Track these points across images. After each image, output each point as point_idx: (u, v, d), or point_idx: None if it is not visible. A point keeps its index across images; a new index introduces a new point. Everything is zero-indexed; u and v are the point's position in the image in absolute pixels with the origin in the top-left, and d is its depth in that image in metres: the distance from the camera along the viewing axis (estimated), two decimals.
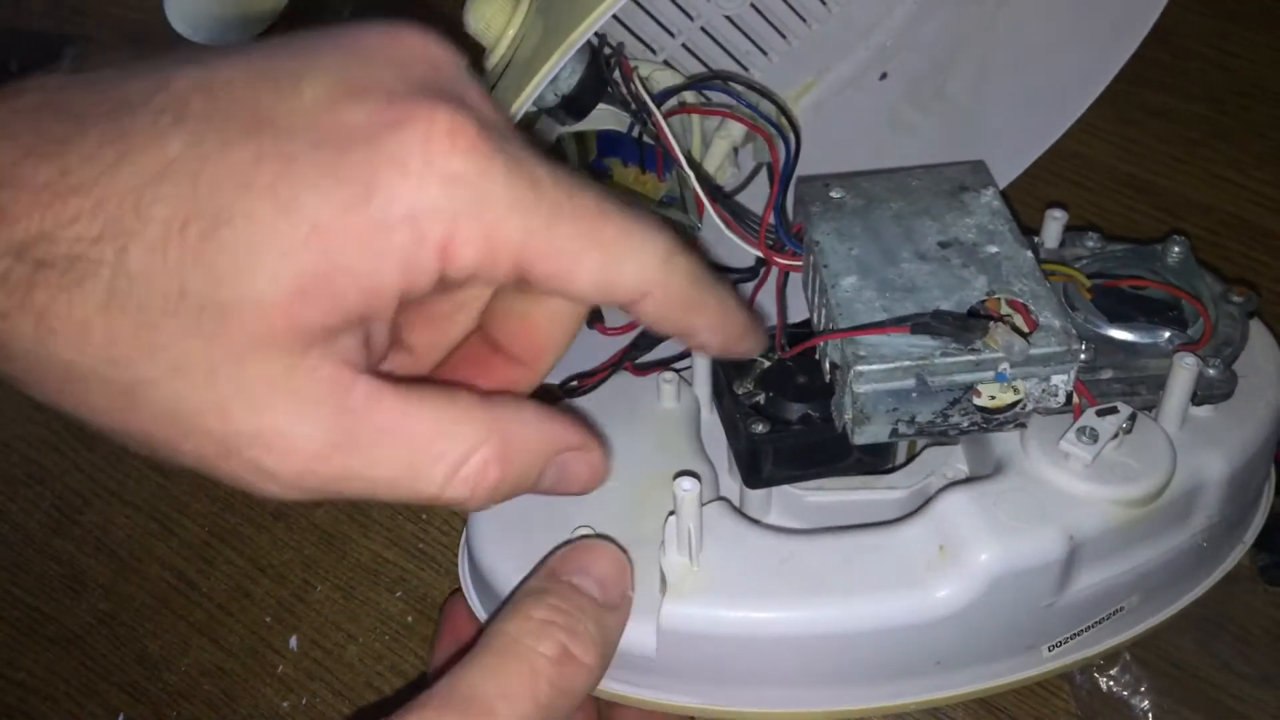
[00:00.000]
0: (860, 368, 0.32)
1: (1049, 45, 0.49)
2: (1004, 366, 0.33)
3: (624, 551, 0.35)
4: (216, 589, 0.49)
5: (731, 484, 0.39)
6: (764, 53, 0.51)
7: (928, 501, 0.36)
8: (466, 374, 0.31)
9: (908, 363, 0.32)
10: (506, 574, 0.36)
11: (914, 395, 0.33)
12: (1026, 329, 0.33)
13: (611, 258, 0.27)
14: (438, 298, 0.28)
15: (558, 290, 0.27)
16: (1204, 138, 0.60)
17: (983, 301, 0.34)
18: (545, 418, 0.29)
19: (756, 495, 0.38)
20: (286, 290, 0.24)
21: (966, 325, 0.33)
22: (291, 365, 0.25)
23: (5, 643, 0.48)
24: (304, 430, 0.25)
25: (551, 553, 0.35)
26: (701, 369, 0.40)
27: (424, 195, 0.24)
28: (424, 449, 0.26)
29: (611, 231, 0.27)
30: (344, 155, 0.24)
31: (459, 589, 0.41)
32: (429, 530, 0.50)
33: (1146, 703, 0.42)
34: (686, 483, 0.33)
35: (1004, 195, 0.38)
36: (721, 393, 0.39)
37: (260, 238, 0.24)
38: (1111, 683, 0.42)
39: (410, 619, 0.48)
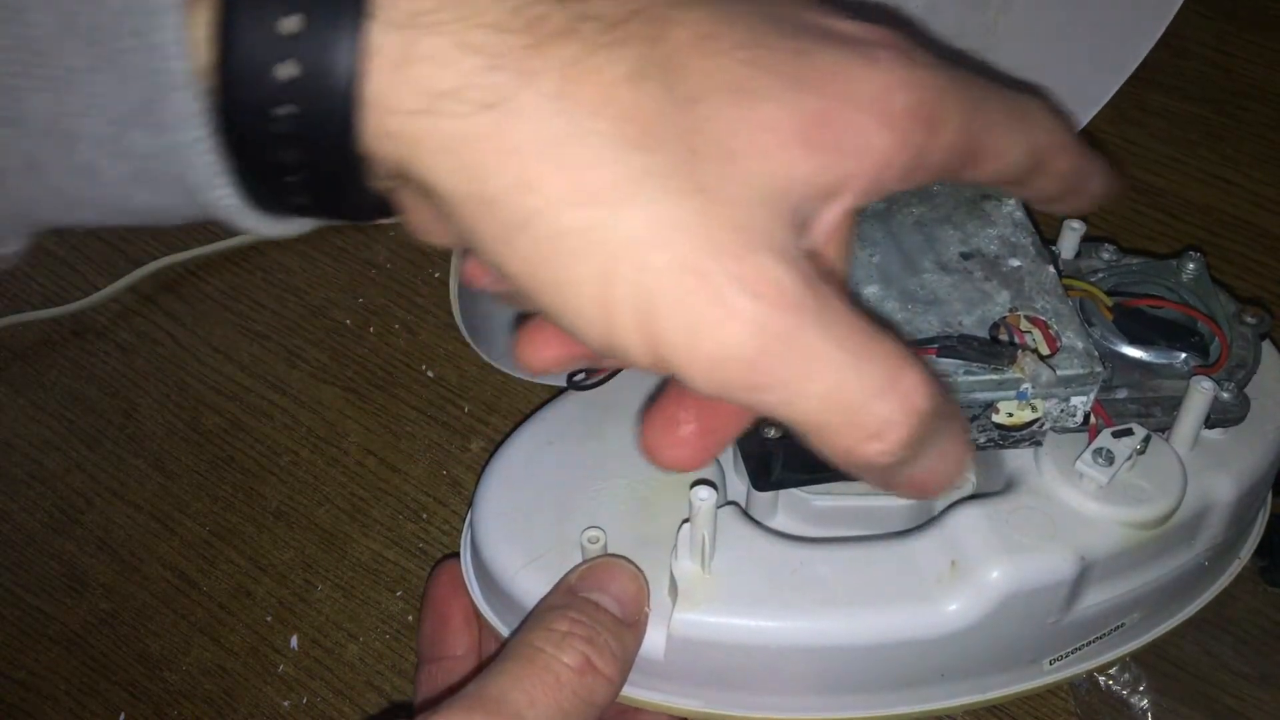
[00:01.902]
0: None
1: (1051, 54, 0.49)
2: (1026, 386, 0.33)
3: (640, 571, 0.35)
4: (217, 588, 0.49)
5: (736, 480, 0.39)
6: None
7: (939, 515, 0.36)
8: None
9: None
10: (511, 570, 0.36)
11: None
12: (1048, 347, 0.33)
13: (1029, 126, 0.29)
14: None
15: (994, 169, 0.28)
16: (1203, 139, 0.60)
17: (1004, 317, 0.34)
18: None
19: (763, 497, 0.38)
20: (802, 114, 0.24)
21: (993, 352, 0.33)
22: (778, 200, 0.24)
23: (6, 642, 0.49)
24: (783, 271, 0.23)
25: (571, 571, 0.35)
26: None
27: (917, 69, 0.25)
28: (865, 342, 0.24)
29: (1018, 103, 0.29)
30: (834, 36, 0.25)
31: (439, 564, 0.41)
32: (429, 530, 0.50)
33: (1145, 702, 0.42)
34: (703, 492, 0.33)
35: (1026, 205, 0.38)
36: None
37: (779, 65, 0.24)
38: (1111, 682, 0.42)
39: (411, 618, 0.48)
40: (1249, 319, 0.39)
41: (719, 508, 0.35)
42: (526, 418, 0.41)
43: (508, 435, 0.41)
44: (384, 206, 0.25)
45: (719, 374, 0.23)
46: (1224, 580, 0.41)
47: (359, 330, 0.56)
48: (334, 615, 0.48)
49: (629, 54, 0.23)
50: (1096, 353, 0.34)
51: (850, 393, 0.24)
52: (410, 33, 0.22)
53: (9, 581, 0.50)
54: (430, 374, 0.54)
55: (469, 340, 0.43)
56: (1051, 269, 0.36)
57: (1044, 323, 0.34)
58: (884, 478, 0.26)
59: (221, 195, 0.23)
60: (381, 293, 0.57)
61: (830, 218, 0.25)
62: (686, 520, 0.34)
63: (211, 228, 0.59)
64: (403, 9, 0.22)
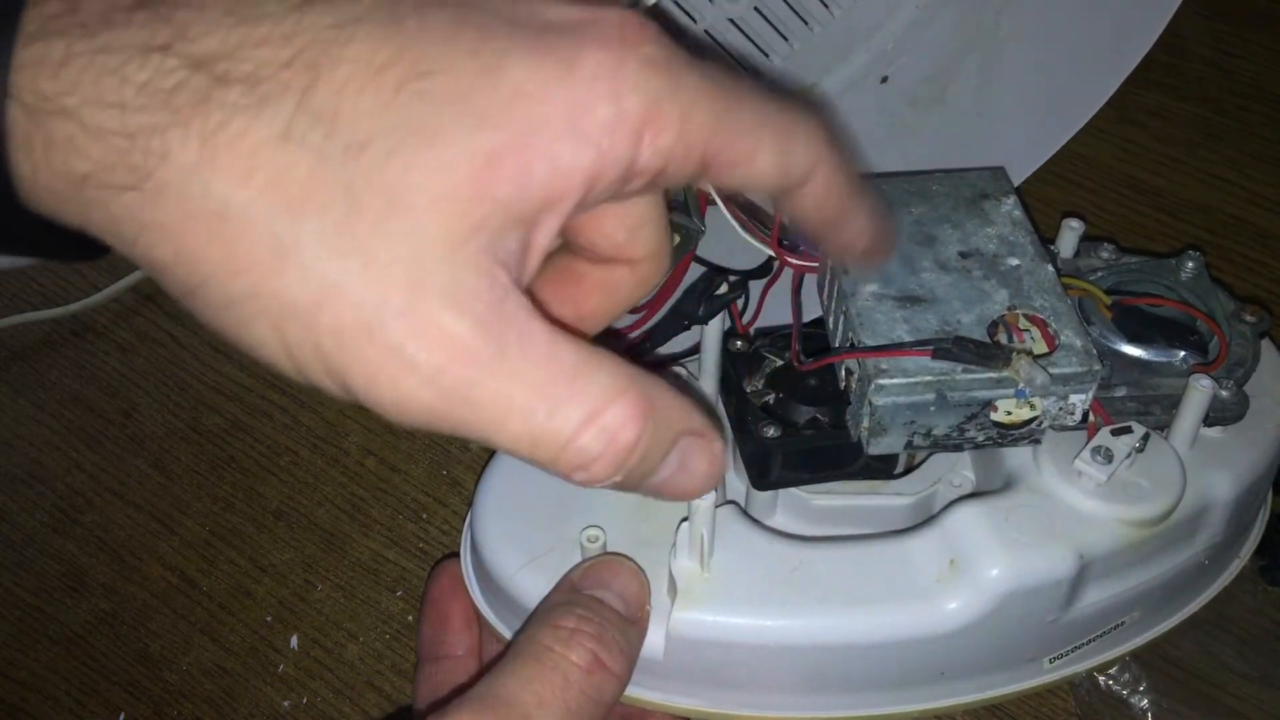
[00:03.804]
0: (881, 381, 0.32)
1: (1052, 53, 0.49)
2: (1022, 386, 0.33)
3: (640, 569, 0.35)
4: (217, 588, 0.49)
5: (736, 479, 0.39)
6: (766, 55, 0.51)
7: (938, 514, 0.36)
8: (555, 294, 0.29)
9: (929, 378, 0.32)
10: (510, 570, 0.36)
11: (932, 409, 0.33)
12: (1046, 345, 0.34)
13: (785, 137, 0.27)
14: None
15: (738, 178, 0.27)
16: (1203, 139, 0.60)
17: (1003, 316, 0.34)
18: (677, 389, 0.27)
19: (763, 496, 0.38)
20: (479, 154, 0.22)
21: (988, 353, 0.33)
22: (457, 247, 0.23)
23: (6, 642, 0.49)
24: (455, 322, 0.22)
25: (572, 569, 0.35)
26: (710, 363, 0.40)
27: (626, 73, 0.24)
28: (565, 382, 0.24)
29: (780, 113, 0.27)
30: (543, 35, 0.24)
31: (439, 564, 0.41)
32: (429, 530, 0.50)
33: (1145, 702, 0.42)
34: None
35: (1024, 204, 0.38)
36: (730, 389, 0.39)
37: (459, 94, 0.23)
38: (1111, 682, 0.42)
39: (411, 618, 0.48)
40: (1248, 317, 0.39)
41: (718, 507, 0.35)
42: None
43: None
44: (100, 245, 0.24)
45: (405, 416, 0.23)
46: (1224, 579, 0.41)
47: None
48: (334, 615, 0.48)
49: (279, 111, 0.22)
50: (1095, 351, 0.34)
51: (545, 432, 0.24)
52: (41, 117, 0.21)
53: (9, 581, 0.50)
54: None
55: None
56: (1050, 268, 0.36)
57: (1043, 321, 0.34)
58: (622, 489, 0.27)
59: None
60: None
61: (544, 238, 0.24)
62: (685, 519, 0.34)
63: None
64: (32, 90, 0.21)
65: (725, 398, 0.40)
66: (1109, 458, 0.35)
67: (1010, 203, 0.38)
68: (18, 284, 0.59)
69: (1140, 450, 0.35)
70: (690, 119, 0.25)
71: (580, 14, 0.24)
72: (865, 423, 0.33)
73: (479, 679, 0.34)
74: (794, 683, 0.36)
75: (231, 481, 0.52)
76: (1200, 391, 0.35)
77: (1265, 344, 0.40)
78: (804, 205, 0.29)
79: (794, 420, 0.37)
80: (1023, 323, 0.34)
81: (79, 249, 0.25)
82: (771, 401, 0.38)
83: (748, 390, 0.38)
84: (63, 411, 0.55)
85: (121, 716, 0.46)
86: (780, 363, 0.39)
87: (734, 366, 0.39)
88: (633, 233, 0.28)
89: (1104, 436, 0.35)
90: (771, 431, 0.37)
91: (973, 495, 0.37)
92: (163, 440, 0.54)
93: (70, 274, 0.59)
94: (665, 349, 0.43)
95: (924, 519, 0.37)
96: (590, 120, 0.23)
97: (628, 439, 0.25)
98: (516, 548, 0.36)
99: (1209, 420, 0.36)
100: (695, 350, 0.42)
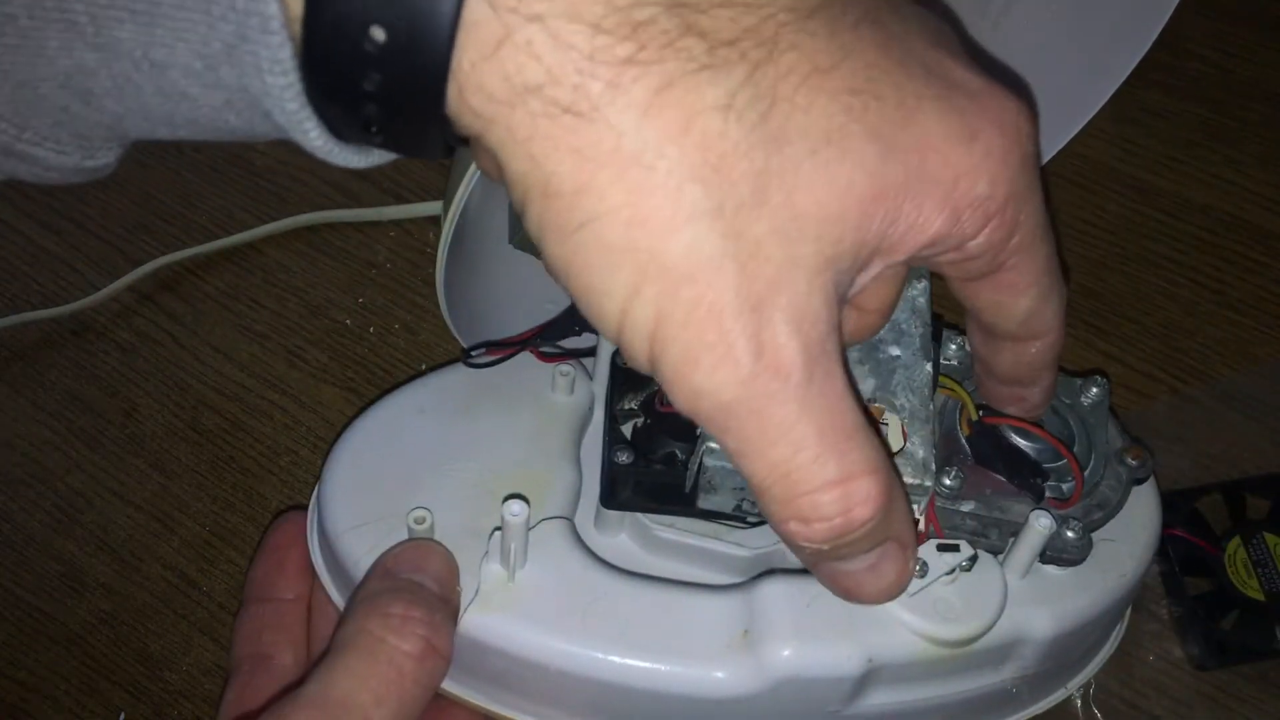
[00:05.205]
0: (713, 444, 0.32)
1: (1052, 55, 0.49)
2: None
3: (453, 557, 0.35)
4: (217, 588, 0.49)
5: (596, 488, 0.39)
6: None
7: (751, 581, 0.35)
8: None
9: None
10: (341, 528, 0.36)
11: None
12: (901, 440, 0.33)
13: (1050, 293, 0.28)
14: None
15: (996, 303, 0.28)
16: (1203, 138, 0.60)
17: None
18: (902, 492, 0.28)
19: (613, 513, 0.38)
20: (877, 184, 0.23)
21: None
22: (821, 269, 0.24)
23: (6, 642, 0.49)
24: (790, 339, 0.23)
25: (386, 552, 0.35)
26: (603, 368, 0.39)
27: (1010, 163, 0.25)
28: (839, 438, 0.25)
29: (1057, 267, 0.28)
30: (951, 93, 0.24)
31: (285, 514, 0.41)
32: None
33: None
34: (515, 507, 0.33)
35: (930, 292, 0.36)
36: (610, 401, 0.39)
37: (878, 122, 0.24)
38: None
39: None
40: (1130, 460, 0.37)
41: (548, 519, 0.35)
42: (410, 379, 0.41)
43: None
44: (458, 143, 0.25)
45: (694, 403, 0.24)
46: (1045, 704, 0.40)
47: (359, 330, 0.56)
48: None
49: (729, 79, 0.22)
50: (934, 467, 0.33)
51: (798, 473, 0.25)
52: (509, 17, 0.21)
53: (9, 581, 0.50)
54: None
55: (462, 341, 0.44)
56: (929, 367, 0.35)
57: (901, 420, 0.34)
58: (807, 560, 0.28)
59: (308, 135, 0.23)
60: (381, 293, 0.57)
61: (864, 280, 0.26)
62: (498, 529, 0.34)
63: (211, 227, 0.59)
64: None
65: (606, 406, 0.39)
66: (923, 572, 0.34)
67: (920, 288, 0.36)
68: (18, 284, 0.59)
69: (967, 570, 0.34)
70: (1022, 228, 0.26)
71: (981, 82, 0.25)
72: (697, 478, 0.33)
73: (307, 628, 0.36)
74: (569, 706, 0.36)
75: (231, 481, 0.52)
76: (1038, 531, 0.34)
77: (1146, 489, 0.38)
78: (1012, 358, 0.30)
79: (651, 450, 0.37)
80: (887, 415, 0.34)
81: (446, 150, 0.25)
82: (639, 424, 0.38)
83: (620, 408, 0.38)
84: (63, 411, 0.55)
85: (121, 716, 0.46)
86: (658, 388, 0.38)
87: (614, 380, 0.38)
88: (879, 283, 0.28)
89: (928, 549, 0.34)
90: (624, 457, 0.36)
91: (793, 572, 0.36)
92: (163, 440, 0.54)
93: (70, 274, 0.59)
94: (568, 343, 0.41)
95: (760, 572, 0.36)
96: (965, 192, 0.24)
97: (861, 516, 0.25)
98: (353, 508, 0.36)
99: (1045, 558, 0.35)
100: (592, 351, 0.41)
